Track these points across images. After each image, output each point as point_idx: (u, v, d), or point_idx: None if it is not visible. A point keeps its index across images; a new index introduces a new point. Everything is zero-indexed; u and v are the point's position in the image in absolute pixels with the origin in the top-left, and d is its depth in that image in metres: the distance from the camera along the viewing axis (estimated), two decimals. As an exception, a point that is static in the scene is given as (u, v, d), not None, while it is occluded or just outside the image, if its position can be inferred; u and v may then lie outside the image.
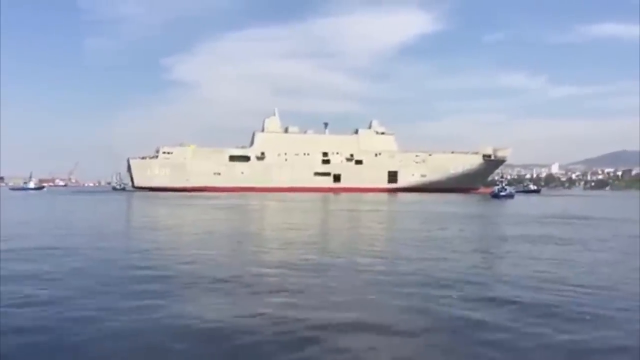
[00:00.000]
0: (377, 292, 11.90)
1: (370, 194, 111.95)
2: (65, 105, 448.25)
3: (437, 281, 13.02)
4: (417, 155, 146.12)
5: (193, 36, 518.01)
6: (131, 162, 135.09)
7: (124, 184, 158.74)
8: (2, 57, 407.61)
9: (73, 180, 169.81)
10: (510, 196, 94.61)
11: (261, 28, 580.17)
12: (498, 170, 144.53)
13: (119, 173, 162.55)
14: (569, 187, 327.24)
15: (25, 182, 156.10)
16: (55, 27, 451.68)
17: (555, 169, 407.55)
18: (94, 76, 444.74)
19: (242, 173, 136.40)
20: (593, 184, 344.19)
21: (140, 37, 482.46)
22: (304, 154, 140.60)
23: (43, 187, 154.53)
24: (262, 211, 50.84)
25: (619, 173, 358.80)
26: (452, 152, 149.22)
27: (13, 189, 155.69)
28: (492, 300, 11.00)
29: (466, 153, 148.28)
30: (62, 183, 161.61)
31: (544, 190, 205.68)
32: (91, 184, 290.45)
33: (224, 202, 67.36)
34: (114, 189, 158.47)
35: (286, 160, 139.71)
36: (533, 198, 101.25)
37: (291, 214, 45.25)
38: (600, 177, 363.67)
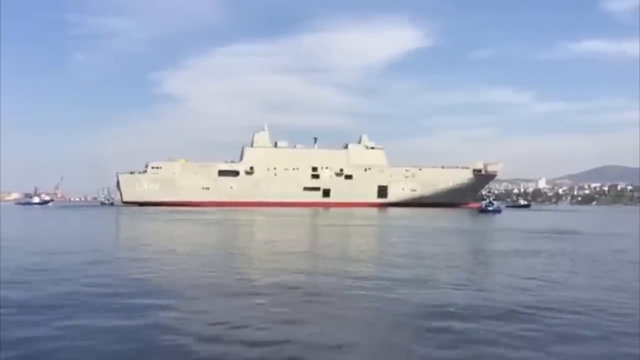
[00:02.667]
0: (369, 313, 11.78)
1: (360, 209, 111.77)
2: (50, 120, 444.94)
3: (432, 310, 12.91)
4: (407, 170, 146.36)
5: (182, 51, 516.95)
6: (120, 177, 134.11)
7: (112, 198, 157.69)
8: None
9: (59, 195, 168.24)
10: (497, 211, 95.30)
11: (250, 43, 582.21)
12: (486, 185, 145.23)
13: (108, 188, 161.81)
14: (556, 202, 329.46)
15: (30, 198, 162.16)
16: (42, 41, 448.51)
17: (542, 184, 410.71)
18: (82, 91, 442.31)
19: (231, 188, 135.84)
20: (580, 198, 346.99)
21: (128, 52, 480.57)
22: (293, 168, 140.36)
23: (48, 202, 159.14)
24: (251, 226, 50.59)
25: (605, 188, 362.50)
26: (442, 167, 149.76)
27: (19, 203, 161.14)
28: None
29: (456, 168, 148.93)
30: (47, 198, 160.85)
31: (532, 205, 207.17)
32: (77, 199, 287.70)
33: (213, 217, 66.96)
34: (102, 203, 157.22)
35: (275, 175, 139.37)
36: (521, 213, 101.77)
37: (280, 230, 45.04)
38: (586, 192, 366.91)
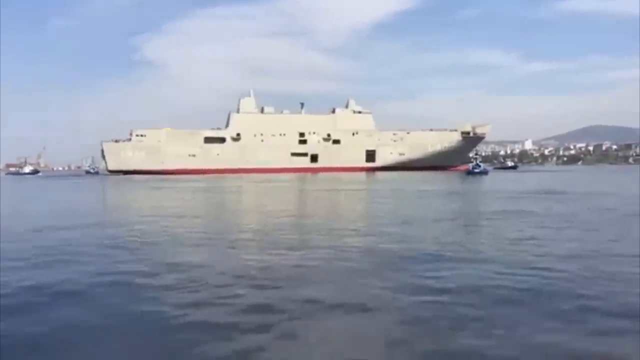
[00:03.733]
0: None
1: (348, 174, 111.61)
2: (30, 89, 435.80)
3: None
4: (394, 134, 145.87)
5: (161, 14, 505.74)
6: (104, 145, 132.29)
7: (97, 167, 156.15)
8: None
9: (42, 165, 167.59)
10: (484, 173, 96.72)
11: (232, 6, 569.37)
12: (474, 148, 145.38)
13: (92, 157, 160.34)
14: (542, 163, 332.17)
15: (20, 167, 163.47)
16: (17, 6, 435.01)
17: (528, 145, 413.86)
18: (60, 57, 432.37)
19: (218, 155, 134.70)
20: (565, 159, 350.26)
21: (107, 16, 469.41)
22: (280, 134, 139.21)
23: (38, 172, 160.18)
24: (239, 193, 50.06)
25: (590, 148, 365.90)
26: (431, 130, 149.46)
27: (9, 174, 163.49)
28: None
29: (444, 130, 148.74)
30: (31, 168, 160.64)
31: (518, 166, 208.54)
32: (60, 168, 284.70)
33: (200, 185, 66.33)
34: (87, 172, 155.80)
35: (262, 141, 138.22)
36: (508, 174, 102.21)
37: (268, 196, 44.60)
38: (572, 152, 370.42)
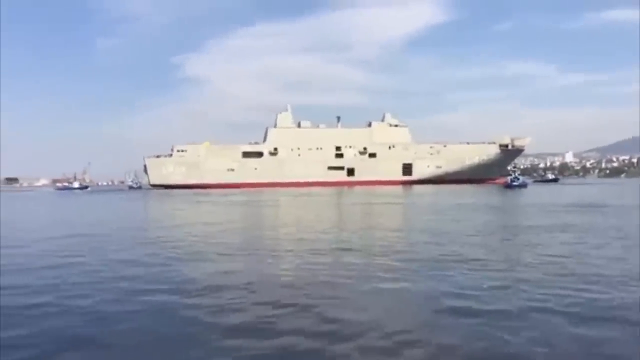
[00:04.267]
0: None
1: (385, 187, 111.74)
2: (75, 106, 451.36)
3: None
4: (431, 147, 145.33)
5: (203, 33, 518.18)
6: (147, 160, 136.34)
7: (139, 182, 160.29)
8: (10, 56, 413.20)
9: (87, 180, 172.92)
10: (523, 186, 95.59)
11: (270, 23, 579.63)
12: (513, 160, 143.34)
13: (135, 171, 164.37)
14: (583, 176, 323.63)
15: (70, 183, 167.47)
16: (66, 28, 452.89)
17: (569, 158, 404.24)
18: (105, 77, 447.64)
19: (256, 169, 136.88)
20: (608, 171, 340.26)
21: (150, 36, 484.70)
22: (317, 148, 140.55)
23: (87, 187, 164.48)
24: (277, 207, 51.06)
25: (634, 160, 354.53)
26: (468, 143, 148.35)
27: (60, 189, 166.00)
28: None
29: (482, 143, 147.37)
30: (76, 184, 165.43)
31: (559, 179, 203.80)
32: (104, 183, 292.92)
33: (239, 198, 67.80)
34: (130, 187, 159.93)
35: (299, 155, 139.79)
36: (549, 187, 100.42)
37: (307, 209, 45.38)
38: (615, 164, 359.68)
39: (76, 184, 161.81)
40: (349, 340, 8.15)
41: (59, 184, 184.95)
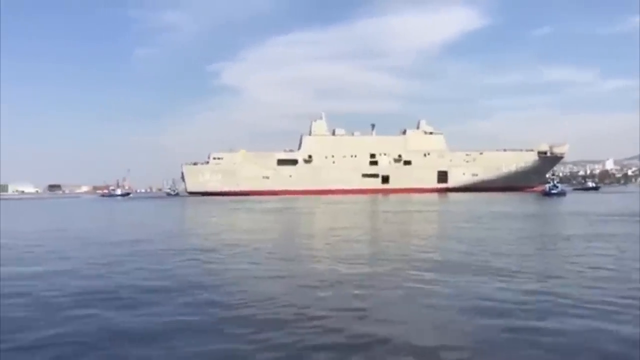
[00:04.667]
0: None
1: (420, 195, 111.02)
2: (114, 115, 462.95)
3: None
4: (467, 154, 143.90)
5: (239, 42, 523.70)
6: (184, 168, 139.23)
7: (176, 189, 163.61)
8: (54, 67, 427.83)
9: (126, 187, 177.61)
10: (562, 194, 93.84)
11: (305, 32, 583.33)
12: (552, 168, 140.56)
13: (172, 179, 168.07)
14: (625, 184, 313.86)
15: (113, 190, 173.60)
16: (106, 37, 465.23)
17: (609, 165, 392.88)
18: (144, 85, 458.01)
19: (290, 176, 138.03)
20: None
21: (187, 45, 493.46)
22: (352, 155, 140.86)
23: (129, 194, 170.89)
24: (313, 214, 51.40)
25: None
26: (505, 150, 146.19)
27: (103, 196, 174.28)
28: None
29: (520, 150, 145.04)
30: (118, 191, 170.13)
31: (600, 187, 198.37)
32: (143, 190, 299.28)
33: (274, 205, 68.47)
34: (168, 194, 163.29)
35: (334, 162, 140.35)
36: (589, 196, 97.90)
37: (342, 217, 45.57)
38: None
39: (119, 191, 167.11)
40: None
41: (99, 191, 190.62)
